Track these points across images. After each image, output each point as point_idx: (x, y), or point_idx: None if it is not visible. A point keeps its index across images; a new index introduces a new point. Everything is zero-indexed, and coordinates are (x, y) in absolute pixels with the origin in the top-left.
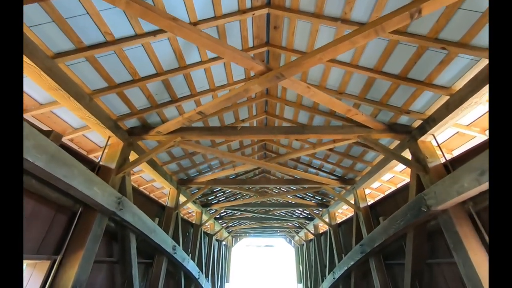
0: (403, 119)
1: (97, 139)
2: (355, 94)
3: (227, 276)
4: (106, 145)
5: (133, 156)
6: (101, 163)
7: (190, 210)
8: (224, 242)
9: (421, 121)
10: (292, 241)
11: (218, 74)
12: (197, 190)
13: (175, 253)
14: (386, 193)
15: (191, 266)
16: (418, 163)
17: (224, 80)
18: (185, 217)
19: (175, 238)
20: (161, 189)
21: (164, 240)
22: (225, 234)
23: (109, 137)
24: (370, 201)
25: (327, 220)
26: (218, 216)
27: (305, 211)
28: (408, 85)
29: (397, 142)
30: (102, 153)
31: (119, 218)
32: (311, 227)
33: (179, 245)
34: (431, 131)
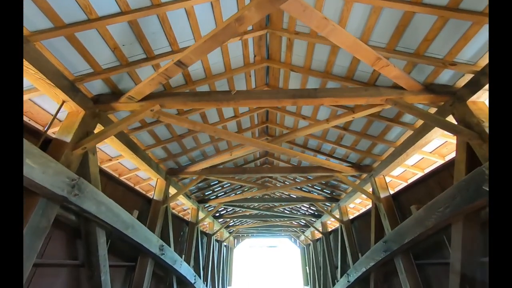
0: (444, 77)
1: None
2: (383, 44)
3: (229, 279)
4: (57, 112)
5: (99, 130)
6: (52, 135)
7: (185, 207)
8: (225, 243)
9: (472, 75)
10: (297, 241)
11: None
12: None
13: (163, 254)
14: (410, 180)
15: (184, 269)
16: (471, 129)
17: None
18: (179, 214)
19: (164, 236)
20: (148, 181)
21: (147, 238)
22: (226, 234)
23: (63, 102)
24: (393, 191)
25: (337, 215)
26: (217, 214)
27: (312, 207)
28: (460, 17)
29: (434, 110)
30: (51, 122)
31: (76, 207)
32: (318, 225)
33: (169, 245)
34: (486, 86)
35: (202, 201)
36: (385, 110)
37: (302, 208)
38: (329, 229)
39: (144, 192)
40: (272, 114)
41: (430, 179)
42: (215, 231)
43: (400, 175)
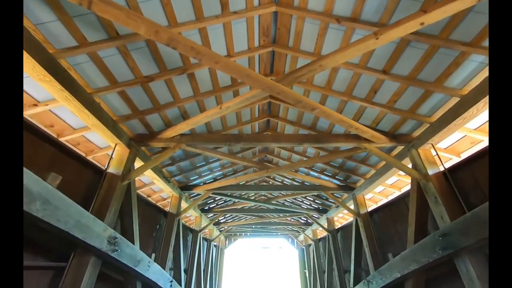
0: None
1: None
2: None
3: (219, 283)
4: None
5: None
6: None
7: (165, 194)
8: (214, 243)
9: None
10: (295, 241)
11: None
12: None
13: (116, 250)
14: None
15: (154, 272)
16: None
17: None
18: (156, 203)
19: (125, 227)
20: (105, 150)
21: (84, 224)
22: (216, 232)
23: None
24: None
25: (350, 207)
26: (206, 208)
27: (317, 200)
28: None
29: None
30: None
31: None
32: (323, 222)
33: (132, 238)
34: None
35: (185, 187)
36: None
37: (305, 202)
38: (338, 226)
39: (93, 162)
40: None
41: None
42: (202, 227)
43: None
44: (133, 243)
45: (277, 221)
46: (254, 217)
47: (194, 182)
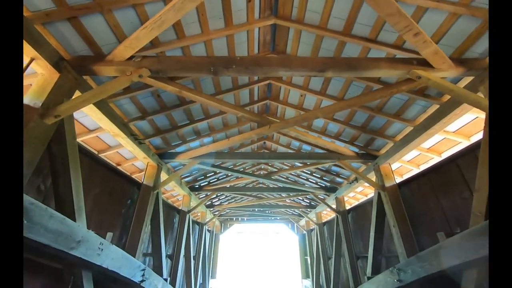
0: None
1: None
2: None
3: (213, 270)
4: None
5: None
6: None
7: (138, 163)
8: (208, 227)
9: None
10: (295, 227)
11: None
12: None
13: (33, 226)
14: None
15: (111, 257)
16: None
17: None
18: (129, 173)
19: (59, 193)
20: None
21: None
22: (209, 215)
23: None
24: None
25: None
26: (197, 185)
27: (325, 177)
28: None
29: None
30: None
31: None
32: (331, 202)
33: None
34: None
35: (165, 155)
36: None
37: (311, 180)
38: (349, 206)
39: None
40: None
41: None
42: (191, 207)
43: None
44: (74, 218)
45: (278, 203)
46: (251, 199)
47: (178, 150)
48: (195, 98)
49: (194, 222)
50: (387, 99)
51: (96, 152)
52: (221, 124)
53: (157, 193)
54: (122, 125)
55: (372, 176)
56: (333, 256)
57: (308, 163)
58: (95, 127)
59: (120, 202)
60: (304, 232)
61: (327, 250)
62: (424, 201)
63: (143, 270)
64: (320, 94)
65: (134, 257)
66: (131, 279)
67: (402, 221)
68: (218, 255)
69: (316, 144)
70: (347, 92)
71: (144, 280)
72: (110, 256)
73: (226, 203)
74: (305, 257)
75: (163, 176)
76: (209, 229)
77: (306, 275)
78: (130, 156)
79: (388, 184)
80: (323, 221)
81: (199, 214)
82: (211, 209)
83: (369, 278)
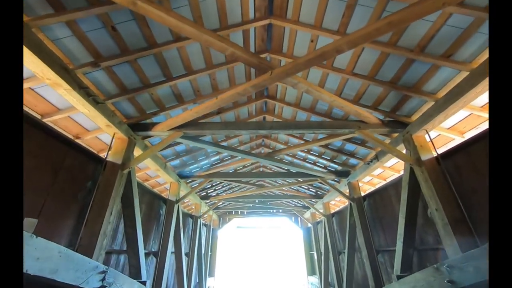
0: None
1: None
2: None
3: (211, 268)
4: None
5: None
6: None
7: (105, 136)
8: (204, 221)
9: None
10: (300, 219)
11: None
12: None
13: None
14: None
15: (39, 257)
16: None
17: None
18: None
19: None
20: None
21: None
22: (204, 208)
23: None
24: None
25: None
26: (186, 170)
27: (336, 159)
28: None
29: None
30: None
31: None
32: (343, 188)
33: None
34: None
35: (137, 126)
36: None
37: (319, 164)
38: (364, 192)
39: None
40: None
41: None
42: (181, 196)
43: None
44: None
45: (281, 192)
46: (251, 188)
47: (155, 120)
48: (159, 17)
49: (187, 214)
50: (437, 27)
51: (39, 117)
52: (209, 85)
53: (129, 173)
54: (64, 71)
55: (401, 150)
56: (346, 250)
57: (319, 138)
58: (28, 76)
59: (73, 183)
60: (310, 225)
61: (337, 244)
62: (477, 176)
63: (103, 272)
64: (338, 33)
65: (91, 255)
66: (80, 286)
67: (449, 203)
68: (217, 251)
69: (332, 105)
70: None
71: (106, 286)
72: (33, 254)
73: (223, 194)
74: (311, 252)
75: (138, 153)
76: (205, 223)
77: (312, 272)
78: (92, 127)
79: (425, 157)
80: (332, 212)
81: (193, 207)
82: (207, 201)
83: (399, 277)
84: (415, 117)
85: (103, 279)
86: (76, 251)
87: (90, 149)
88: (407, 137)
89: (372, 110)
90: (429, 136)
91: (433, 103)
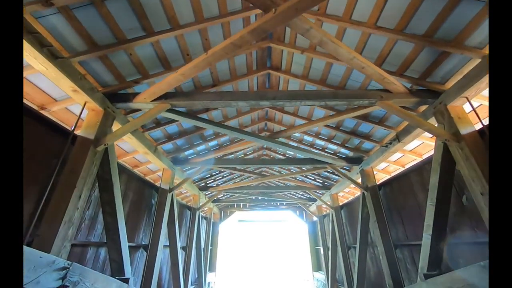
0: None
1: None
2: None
3: (211, 262)
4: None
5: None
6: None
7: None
8: (203, 214)
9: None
10: (305, 212)
11: None
12: None
13: None
14: None
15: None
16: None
17: None
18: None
19: None
20: None
21: None
22: (203, 199)
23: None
24: None
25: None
26: (181, 156)
27: (348, 143)
28: None
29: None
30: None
31: None
32: (355, 176)
33: None
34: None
35: (116, 97)
36: None
37: (328, 150)
38: (379, 180)
39: None
40: None
41: None
42: (175, 184)
43: None
44: None
45: (286, 181)
46: (253, 177)
47: (137, 89)
48: None
49: (184, 206)
50: None
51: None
52: (201, 46)
53: (106, 151)
54: None
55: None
56: (358, 245)
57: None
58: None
59: (32, 160)
60: (315, 219)
61: (345, 238)
62: None
63: (65, 269)
64: None
65: (50, 247)
66: (25, 287)
67: None
68: (218, 245)
69: (350, 64)
70: None
71: (68, 286)
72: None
73: (222, 183)
74: (316, 247)
75: (117, 127)
76: (205, 216)
77: (318, 268)
78: (60, 96)
79: (464, 130)
80: (341, 204)
81: (191, 198)
82: (206, 192)
83: (427, 276)
84: (451, 83)
85: (63, 278)
86: (31, 243)
87: (57, 121)
88: (440, 109)
89: (398, 77)
90: (471, 105)
91: (479, 60)
